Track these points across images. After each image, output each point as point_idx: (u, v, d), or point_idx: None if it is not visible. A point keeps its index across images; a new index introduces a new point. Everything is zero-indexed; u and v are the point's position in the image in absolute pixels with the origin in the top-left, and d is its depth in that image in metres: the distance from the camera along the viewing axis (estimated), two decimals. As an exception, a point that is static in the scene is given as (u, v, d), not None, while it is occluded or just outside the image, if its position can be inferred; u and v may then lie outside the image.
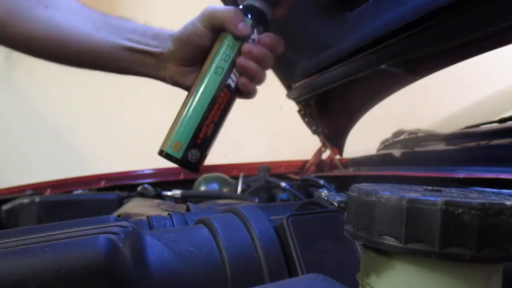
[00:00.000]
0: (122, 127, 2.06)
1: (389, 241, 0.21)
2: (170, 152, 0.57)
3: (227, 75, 0.58)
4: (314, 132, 1.14)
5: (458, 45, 0.68)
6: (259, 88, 0.62)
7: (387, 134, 1.08)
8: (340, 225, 0.33)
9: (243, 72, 0.59)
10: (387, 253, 0.22)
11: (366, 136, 1.12)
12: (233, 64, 0.58)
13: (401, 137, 1.01)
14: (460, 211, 0.19)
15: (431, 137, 0.91)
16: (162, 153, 0.58)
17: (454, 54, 0.73)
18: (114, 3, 1.90)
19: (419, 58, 0.76)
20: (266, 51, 0.59)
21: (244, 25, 0.57)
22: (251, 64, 0.58)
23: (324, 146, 1.17)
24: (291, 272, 0.32)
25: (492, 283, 0.21)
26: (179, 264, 0.30)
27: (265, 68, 0.60)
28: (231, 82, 0.58)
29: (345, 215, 0.26)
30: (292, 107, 1.15)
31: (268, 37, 0.59)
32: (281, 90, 1.11)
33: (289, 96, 1.10)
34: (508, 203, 0.20)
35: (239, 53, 0.58)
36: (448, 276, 0.20)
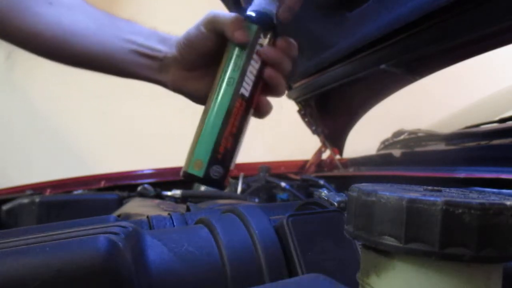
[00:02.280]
0: (122, 127, 2.06)
1: (389, 241, 0.21)
2: (191, 171, 0.55)
3: (239, 84, 0.56)
4: (314, 132, 1.14)
5: (458, 45, 0.68)
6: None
7: (387, 134, 1.08)
8: (340, 225, 0.33)
9: (268, 80, 0.57)
10: (387, 253, 0.22)
11: (366, 136, 1.12)
12: (243, 72, 0.56)
13: (401, 137, 1.02)
14: (460, 211, 0.19)
15: (431, 137, 0.91)
16: (184, 174, 0.56)
17: (454, 54, 0.73)
18: (114, 3, 1.90)
19: (419, 58, 0.77)
20: (282, 55, 0.57)
21: (241, 33, 0.55)
22: (272, 72, 0.57)
23: (324, 146, 1.17)
24: (291, 272, 0.32)
25: (492, 283, 0.21)
26: (179, 264, 0.30)
27: (283, 73, 0.58)
28: (244, 91, 0.56)
29: (345, 215, 0.26)
30: (292, 107, 1.15)
31: (282, 41, 0.58)
32: (281, 90, 1.11)
33: (289, 96, 1.10)
34: (508, 203, 0.20)
35: (248, 60, 0.56)
36: (448, 276, 0.20)
